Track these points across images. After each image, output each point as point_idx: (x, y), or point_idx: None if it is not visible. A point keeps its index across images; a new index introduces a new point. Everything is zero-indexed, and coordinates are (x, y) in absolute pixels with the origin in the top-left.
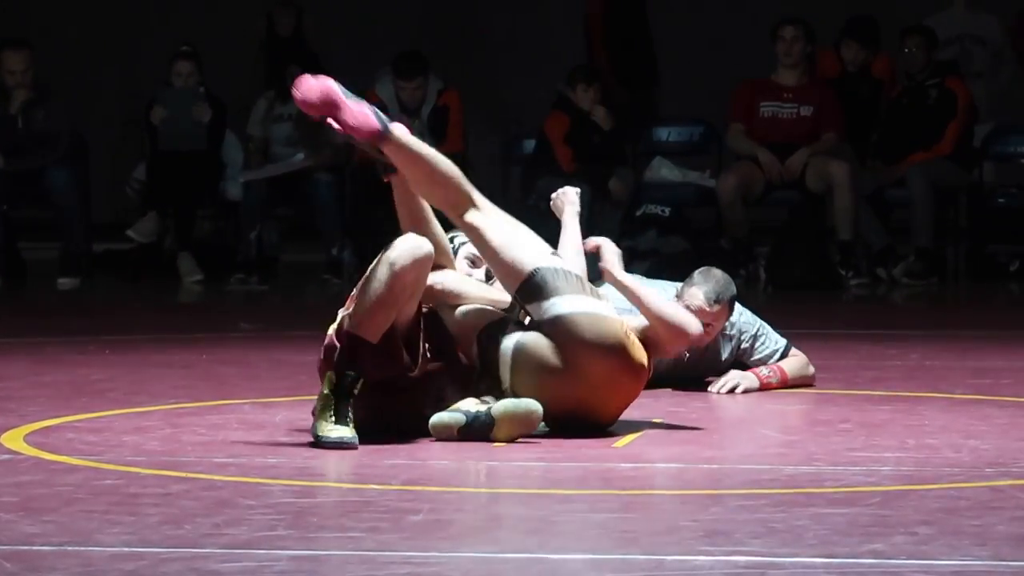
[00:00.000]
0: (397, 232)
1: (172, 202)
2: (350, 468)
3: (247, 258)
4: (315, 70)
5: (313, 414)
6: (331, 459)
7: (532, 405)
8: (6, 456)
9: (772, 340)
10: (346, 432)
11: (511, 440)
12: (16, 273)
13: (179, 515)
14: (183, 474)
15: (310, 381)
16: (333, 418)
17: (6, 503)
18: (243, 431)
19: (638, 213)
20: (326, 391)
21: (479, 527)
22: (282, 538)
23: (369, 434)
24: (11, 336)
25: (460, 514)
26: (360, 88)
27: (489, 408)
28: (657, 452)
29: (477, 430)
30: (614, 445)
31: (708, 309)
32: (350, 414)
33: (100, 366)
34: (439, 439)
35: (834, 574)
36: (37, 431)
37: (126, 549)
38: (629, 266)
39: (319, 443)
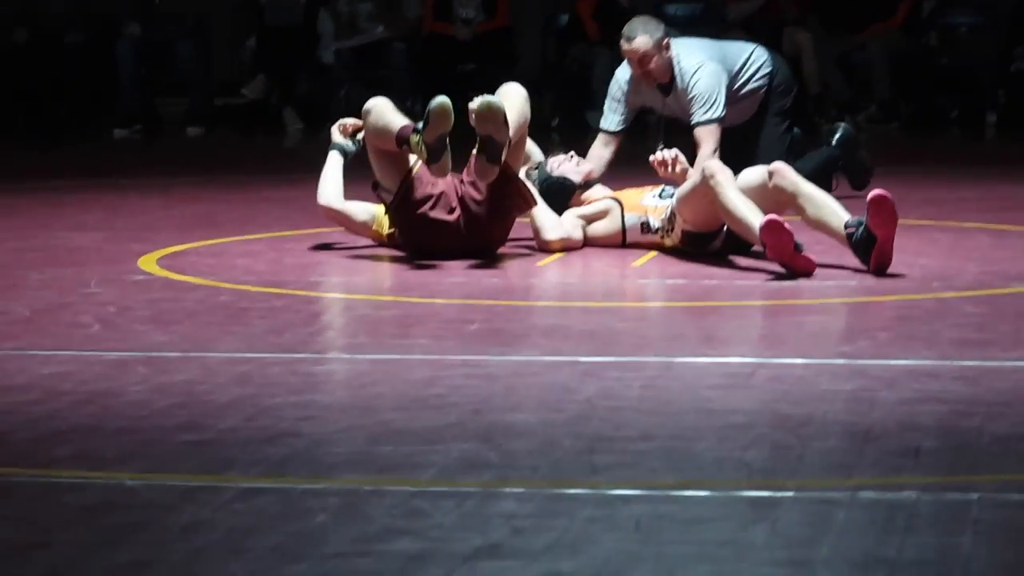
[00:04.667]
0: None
1: (277, 66)
2: (418, 283)
3: (338, 111)
4: None
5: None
6: (402, 277)
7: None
8: (142, 277)
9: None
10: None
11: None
12: (153, 125)
13: (280, 326)
14: (284, 291)
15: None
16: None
17: (141, 316)
18: (333, 255)
19: None
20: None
21: (522, 335)
22: (362, 345)
23: (427, 254)
24: (148, 177)
25: (508, 324)
26: None
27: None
28: (666, 270)
29: None
30: (632, 264)
31: (625, 47)
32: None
33: (219, 201)
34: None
35: (811, 372)
36: (167, 255)
37: (237, 355)
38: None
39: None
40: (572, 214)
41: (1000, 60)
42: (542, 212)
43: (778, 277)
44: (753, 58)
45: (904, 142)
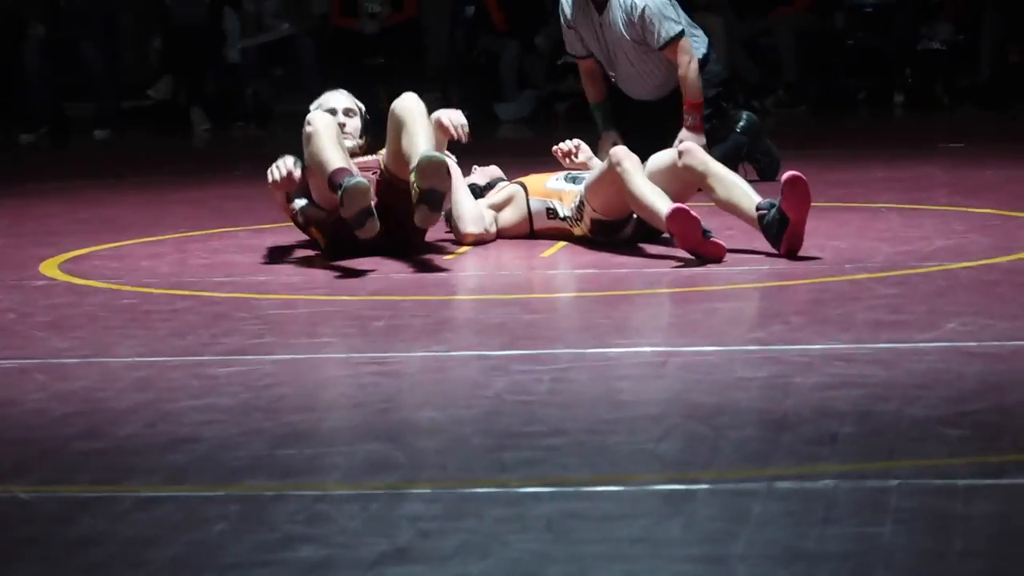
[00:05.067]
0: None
1: (184, 66)
2: (325, 281)
3: (246, 109)
4: None
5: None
6: (309, 275)
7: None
8: (43, 282)
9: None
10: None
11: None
12: (60, 128)
13: (183, 328)
14: (188, 292)
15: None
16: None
17: (40, 323)
18: (239, 254)
19: (559, 62)
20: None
21: (430, 330)
22: (266, 345)
23: (341, 253)
24: (54, 181)
25: (416, 319)
26: None
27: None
28: (576, 260)
29: None
30: (541, 255)
31: None
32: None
33: (126, 204)
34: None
35: (724, 360)
36: (70, 260)
37: (139, 359)
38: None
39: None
40: (482, 204)
41: (907, 39)
42: (462, 203)
43: (688, 264)
44: (695, 33)
45: (812, 124)
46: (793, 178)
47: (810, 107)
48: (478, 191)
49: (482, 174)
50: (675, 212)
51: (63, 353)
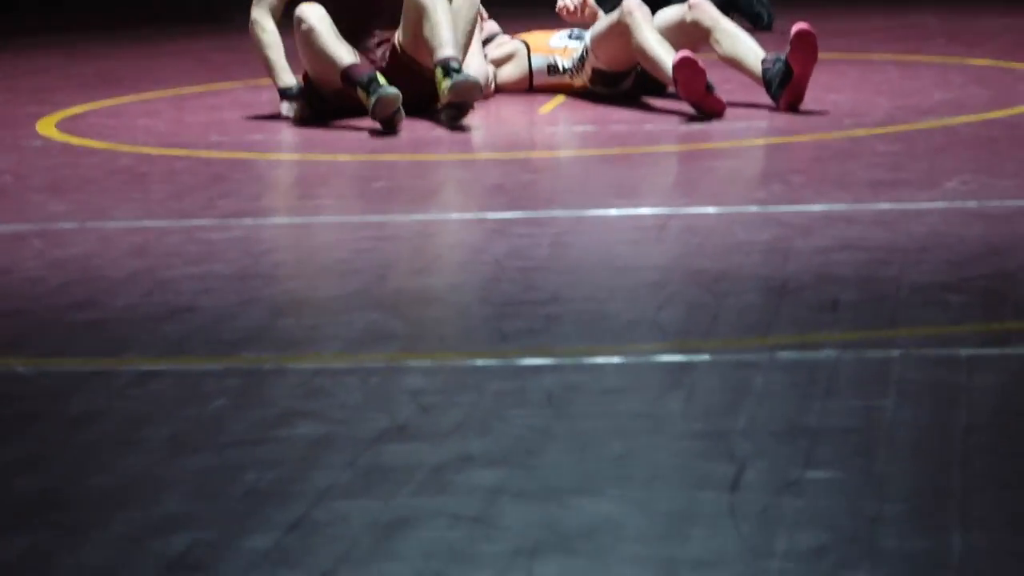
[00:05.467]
0: None
1: None
2: (321, 140)
3: None
4: None
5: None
6: (305, 134)
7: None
8: (39, 142)
9: None
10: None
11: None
12: None
13: (180, 190)
14: (185, 152)
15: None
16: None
17: (37, 184)
18: (236, 111)
19: None
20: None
21: (428, 192)
22: (263, 208)
23: (341, 114)
24: (49, 34)
25: (414, 180)
26: None
27: None
28: (574, 116)
29: None
30: (539, 111)
31: None
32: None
33: (121, 57)
34: None
35: (724, 222)
36: (67, 119)
37: (135, 223)
38: None
39: (374, 101)
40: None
41: None
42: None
43: (688, 120)
44: None
45: None
46: (803, 32)
47: None
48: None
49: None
50: (682, 60)
51: (60, 217)
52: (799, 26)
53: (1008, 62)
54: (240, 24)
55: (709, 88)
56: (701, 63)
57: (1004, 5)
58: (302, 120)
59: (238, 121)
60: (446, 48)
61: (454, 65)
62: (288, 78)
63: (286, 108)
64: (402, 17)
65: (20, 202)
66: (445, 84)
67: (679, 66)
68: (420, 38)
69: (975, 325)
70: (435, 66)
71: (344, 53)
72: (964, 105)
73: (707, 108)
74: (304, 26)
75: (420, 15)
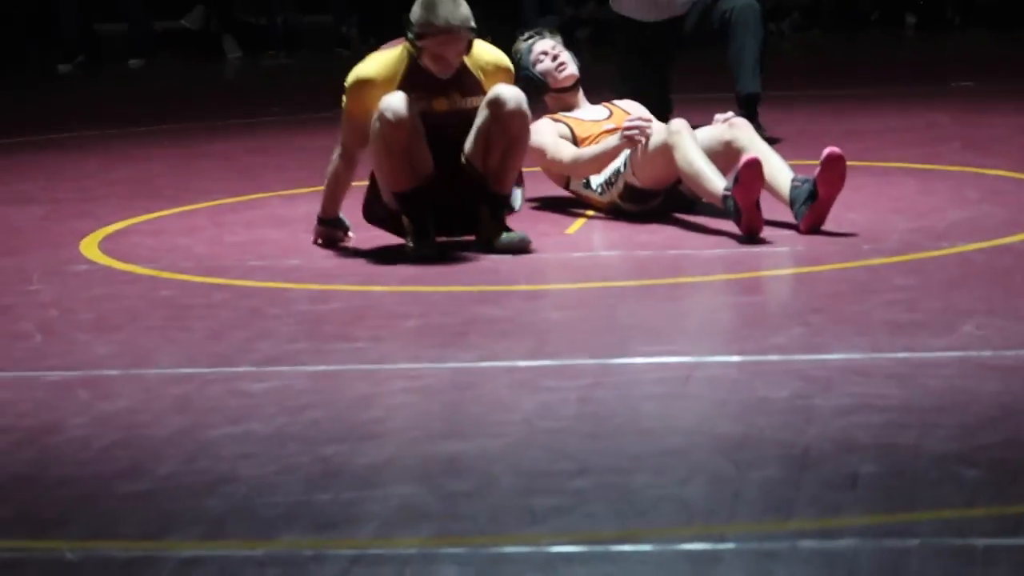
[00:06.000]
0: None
1: None
2: (355, 267)
3: (276, 38)
4: None
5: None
6: (337, 260)
7: None
8: (84, 266)
9: None
10: (425, 247)
11: None
12: (95, 56)
13: (220, 329)
14: (224, 281)
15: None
16: (412, 238)
17: (83, 321)
18: (272, 228)
19: None
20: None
21: (459, 332)
22: (300, 353)
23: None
24: (89, 128)
25: (445, 318)
26: None
27: None
28: (600, 239)
29: None
30: (565, 232)
31: None
32: (428, 231)
33: (159, 160)
34: None
35: (746, 375)
36: (108, 237)
37: (178, 371)
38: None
39: (415, 242)
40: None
41: None
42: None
43: (713, 245)
44: None
45: (826, 50)
46: (833, 156)
47: (823, 29)
48: (543, 88)
49: (555, 76)
50: (752, 160)
51: (105, 362)
52: (830, 150)
53: (1021, 173)
54: (277, 118)
55: (757, 203)
56: (767, 182)
57: (1017, 100)
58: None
59: (275, 241)
60: (502, 183)
61: (508, 206)
62: (333, 210)
63: (320, 233)
64: (476, 129)
65: (66, 343)
66: (497, 237)
67: (748, 165)
68: (490, 165)
69: (989, 508)
70: (484, 201)
71: (405, 176)
72: (979, 227)
73: (750, 220)
74: (384, 118)
75: (502, 141)
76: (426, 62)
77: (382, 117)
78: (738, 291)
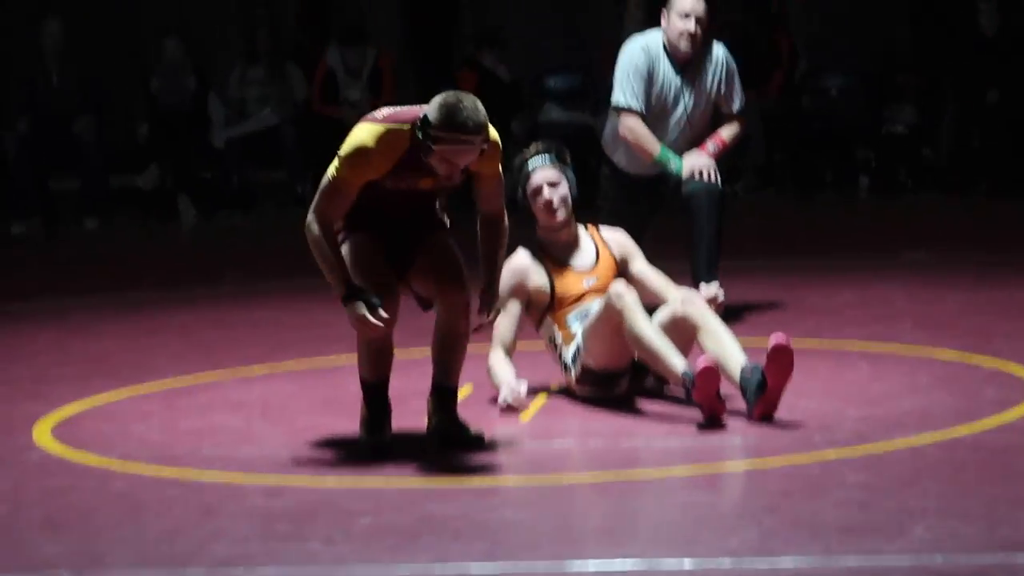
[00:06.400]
0: None
1: (170, 151)
2: (312, 456)
3: (231, 197)
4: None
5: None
6: (296, 447)
7: None
8: (35, 455)
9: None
10: (377, 441)
11: None
12: (48, 210)
13: (173, 527)
14: (177, 473)
15: (286, 346)
16: (366, 428)
17: (34, 519)
18: (227, 412)
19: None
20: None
21: (411, 533)
22: (253, 555)
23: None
24: (43, 298)
25: (398, 516)
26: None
27: None
28: (557, 425)
29: None
30: (520, 419)
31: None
32: (383, 424)
33: (115, 335)
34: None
35: None
36: (62, 422)
37: (130, 573)
38: None
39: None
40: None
41: (870, 122)
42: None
43: (667, 432)
44: None
45: (781, 211)
46: (779, 347)
47: (777, 189)
48: None
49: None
50: (707, 370)
51: (55, 562)
52: (776, 340)
53: (972, 355)
54: (232, 283)
55: (718, 393)
56: (720, 371)
57: (967, 272)
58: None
59: (229, 428)
60: (451, 377)
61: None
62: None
63: (361, 308)
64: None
65: (16, 541)
66: (449, 432)
67: (703, 374)
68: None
69: None
70: (434, 394)
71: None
72: (931, 417)
73: (711, 410)
74: (365, 326)
75: (450, 339)
76: (433, 162)
77: (373, 316)
78: (692, 487)
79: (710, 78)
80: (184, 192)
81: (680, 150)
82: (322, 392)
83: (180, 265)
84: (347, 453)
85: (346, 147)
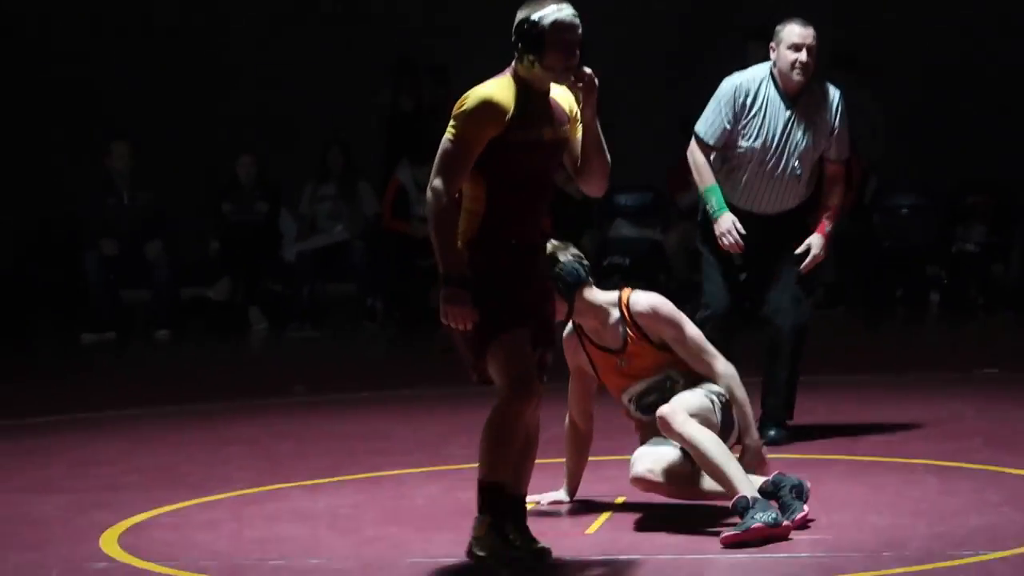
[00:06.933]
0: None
1: (241, 265)
2: (375, 567)
3: (301, 309)
4: None
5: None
6: (357, 554)
7: None
8: (103, 564)
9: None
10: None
11: None
12: (121, 324)
13: None
14: None
15: (352, 458)
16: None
17: None
18: (293, 523)
19: (604, 263)
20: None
21: None
22: None
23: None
24: (114, 408)
25: None
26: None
27: None
28: (619, 540)
29: None
30: (586, 532)
31: (801, 31)
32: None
33: (183, 444)
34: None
35: None
36: (129, 530)
37: None
38: None
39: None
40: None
41: (941, 241)
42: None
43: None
44: None
45: (851, 330)
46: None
47: (848, 307)
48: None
49: None
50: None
51: None
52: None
53: None
54: (302, 399)
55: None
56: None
57: None
58: None
59: (295, 538)
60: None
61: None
62: (457, 261)
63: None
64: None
65: None
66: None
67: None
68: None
69: None
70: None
71: None
72: (1000, 534)
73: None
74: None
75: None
76: (544, 71)
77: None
78: None
79: (825, 114)
80: (255, 304)
81: (786, 192)
82: (388, 503)
83: (249, 376)
84: (411, 564)
85: (463, 107)
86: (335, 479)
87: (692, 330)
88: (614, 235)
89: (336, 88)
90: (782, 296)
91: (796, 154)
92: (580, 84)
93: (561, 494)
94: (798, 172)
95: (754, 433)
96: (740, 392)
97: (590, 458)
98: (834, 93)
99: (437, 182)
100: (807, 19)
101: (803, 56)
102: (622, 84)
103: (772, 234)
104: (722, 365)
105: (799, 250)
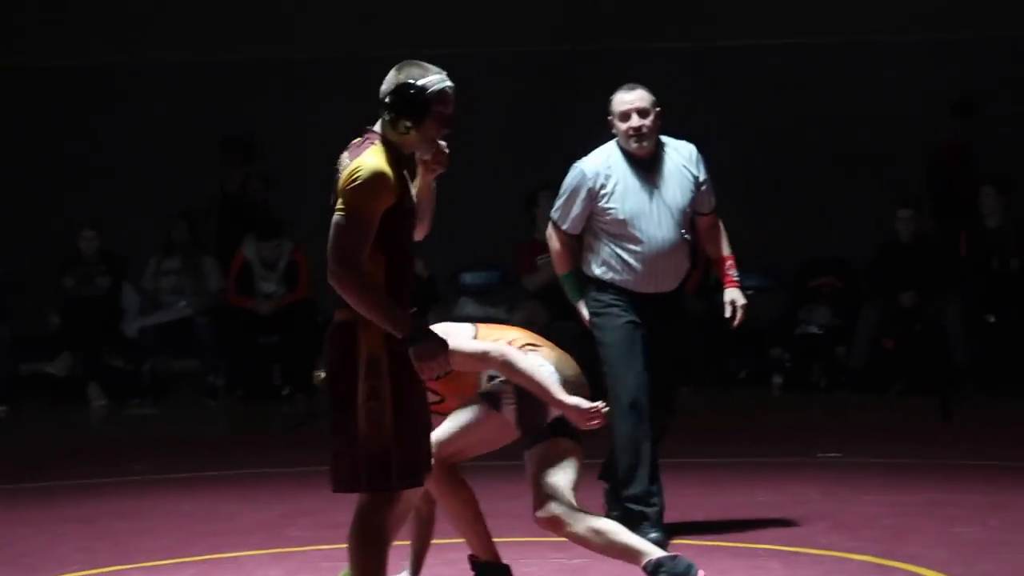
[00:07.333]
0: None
1: (82, 339)
2: None
3: (142, 386)
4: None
5: None
6: None
7: None
8: None
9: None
10: None
11: None
12: None
13: None
14: None
15: (192, 539)
16: None
17: None
18: None
19: None
20: None
21: None
22: None
23: None
24: None
25: None
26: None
27: None
28: None
29: None
30: None
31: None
32: None
33: (21, 524)
34: None
35: None
36: None
37: None
38: None
39: None
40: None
41: (785, 322)
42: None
43: None
44: None
45: (695, 406)
46: None
47: (692, 385)
48: None
49: None
50: None
51: None
52: None
53: (885, 560)
54: (142, 477)
55: None
56: None
57: (881, 474)
58: None
59: None
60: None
61: None
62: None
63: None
64: None
65: None
66: None
67: None
68: None
69: None
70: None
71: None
72: None
73: None
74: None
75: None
76: (418, 139)
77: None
78: None
79: (687, 169)
80: (94, 380)
81: (680, 256)
82: None
83: (90, 453)
84: None
85: (357, 182)
86: (174, 560)
87: (466, 345)
88: (459, 313)
89: (180, 162)
90: (660, 386)
91: (674, 216)
92: (438, 159)
93: None
94: (685, 234)
95: (557, 391)
96: (521, 363)
97: (433, 541)
98: (690, 147)
99: (340, 267)
100: None
101: (634, 122)
102: (467, 160)
103: (664, 312)
104: (495, 352)
105: (727, 313)
